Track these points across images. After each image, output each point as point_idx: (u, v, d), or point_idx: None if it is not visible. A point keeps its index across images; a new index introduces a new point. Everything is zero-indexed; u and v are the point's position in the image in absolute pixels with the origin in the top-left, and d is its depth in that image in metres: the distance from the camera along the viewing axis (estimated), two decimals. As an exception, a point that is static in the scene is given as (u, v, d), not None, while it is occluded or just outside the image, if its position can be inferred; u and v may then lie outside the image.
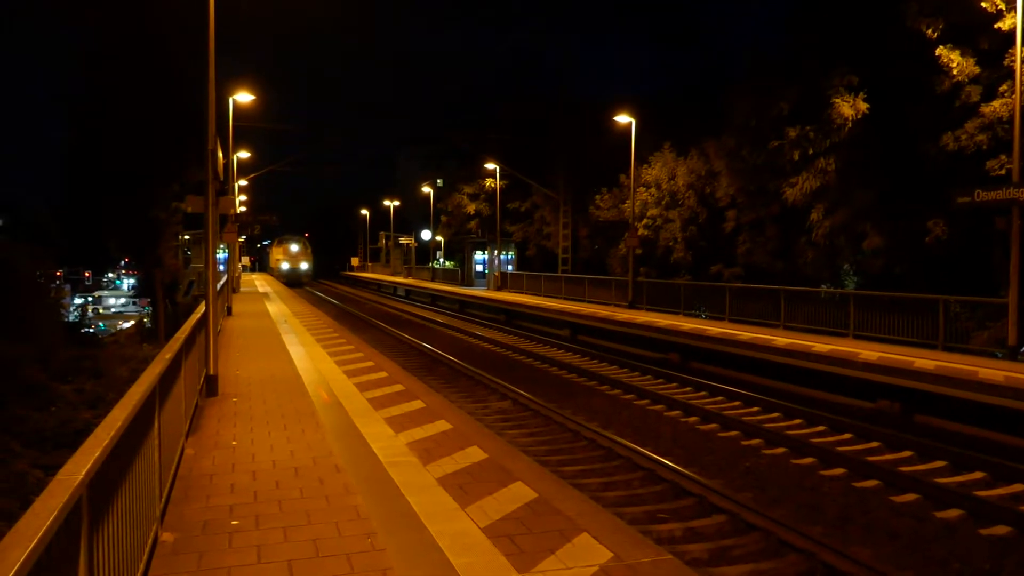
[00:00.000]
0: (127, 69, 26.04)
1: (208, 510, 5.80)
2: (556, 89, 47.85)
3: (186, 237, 49.39)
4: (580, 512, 5.79)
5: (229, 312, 23.94)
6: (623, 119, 28.58)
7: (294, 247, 71.43)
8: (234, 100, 25.04)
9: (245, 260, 78.52)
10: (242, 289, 40.91)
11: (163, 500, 5.54)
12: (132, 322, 54.70)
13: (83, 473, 2.79)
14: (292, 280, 65.27)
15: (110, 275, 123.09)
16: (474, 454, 7.43)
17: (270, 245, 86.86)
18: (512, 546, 5.09)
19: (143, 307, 66.57)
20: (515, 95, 54.78)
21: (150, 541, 4.77)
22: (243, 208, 43.04)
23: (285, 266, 69.79)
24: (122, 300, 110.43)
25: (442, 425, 8.74)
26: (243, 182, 43.31)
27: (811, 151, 23.37)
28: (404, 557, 4.92)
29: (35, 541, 2.17)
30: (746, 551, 7.34)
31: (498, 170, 43.63)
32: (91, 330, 34.40)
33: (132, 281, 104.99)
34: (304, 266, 71.09)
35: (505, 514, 5.70)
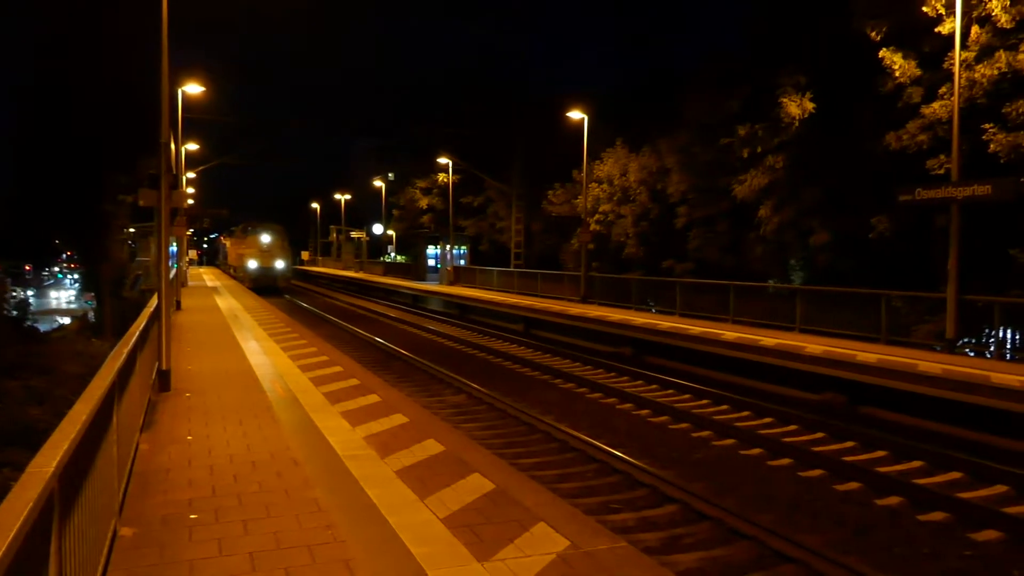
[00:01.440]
0: (77, 60, 25.47)
1: (167, 504, 5.79)
2: (513, 85, 47.95)
3: (131, 230, 48.45)
4: (538, 502, 5.91)
5: (178, 307, 23.59)
6: (575, 115, 28.78)
7: (266, 238, 49.02)
8: (183, 92, 24.63)
9: (193, 254, 74.45)
10: (190, 283, 40.28)
11: (121, 495, 5.52)
12: (69, 319, 53.62)
13: (53, 465, 2.81)
14: (265, 284, 45.66)
15: (53, 269, 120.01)
16: (431, 447, 7.50)
17: (227, 236, 67.50)
18: (472, 536, 5.18)
19: (87, 301, 65.05)
20: (471, 90, 54.65)
21: (110, 535, 4.77)
22: (191, 201, 42.31)
23: (253, 264, 47.86)
24: (64, 295, 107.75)
25: (399, 419, 8.79)
26: (191, 175, 42.62)
27: (760, 149, 23.86)
28: (365, 548, 4.99)
29: (13, 532, 2.19)
30: (698, 539, 7.54)
31: (451, 164, 43.60)
32: (35, 325, 33.57)
33: (75, 276, 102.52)
34: (280, 265, 49.17)
35: (464, 505, 5.79)
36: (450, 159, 43.26)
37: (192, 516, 5.54)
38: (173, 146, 15.08)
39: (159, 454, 7.21)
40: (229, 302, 27.91)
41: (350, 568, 4.67)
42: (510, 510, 5.71)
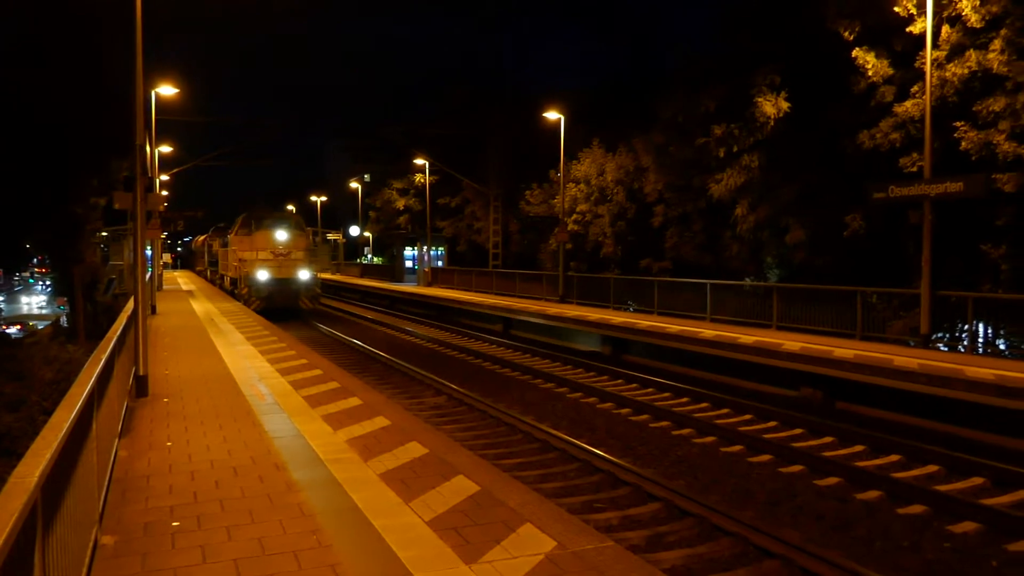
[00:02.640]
0: (49, 60, 25.13)
1: (148, 512, 5.73)
2: (490, 84, 47.91)
3: (104, 234, 47.84)
4: (523, 503, 5.91)
5: (154, 311, 23.34)
6: (552, 116, 28.82)
7: (282, 235, 31.62)
8: (157, 93, 24.37)
9: (167, 257, 73.55)
10: (165, 287, 39.85)
11: (101, 503, 5.45)
12: (42, 323, 52.51)
13: (37, 475, 2.77)
14: (282, 303, 30.51)
15: (23, 274, 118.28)
16: (414, 449, 7.48)
17: (215, 235, 47.75)
18: (458, 538, 5.17)
19: (59, 306, 64.15)
20: (449, 90, 54.58)
21: (91, 544, 4.70)
22: (164, 204, 41.84)
23: (264, 276, 30.70)
24: (36, 300, 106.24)
25: (380, 421, 8.75)
26: (165, 177, 42.18)
27: (736, 148, 24.01)
28: (351, 552, 4.96)
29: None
30: (681, 536, 7.57)
31: (428, 165, 43.49)
32: (6, 331, 33.05)
33: (47, 281, 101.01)
34: (304, 275, 31.83)
35: (449, 507, 5.78)
36: (427, 160, 43.15)
37: (174, 523, 5.48)
38: (148, 148, 14.92)
39: (138, 460, 7.13)
40: (205, 306, 27.65)
41: (337, 573, 4.64)
42: (495, 511, 5.70)
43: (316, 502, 5.94)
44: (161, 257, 44.18)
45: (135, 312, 10.29)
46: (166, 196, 44.16)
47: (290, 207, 60.29)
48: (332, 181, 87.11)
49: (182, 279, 55.85)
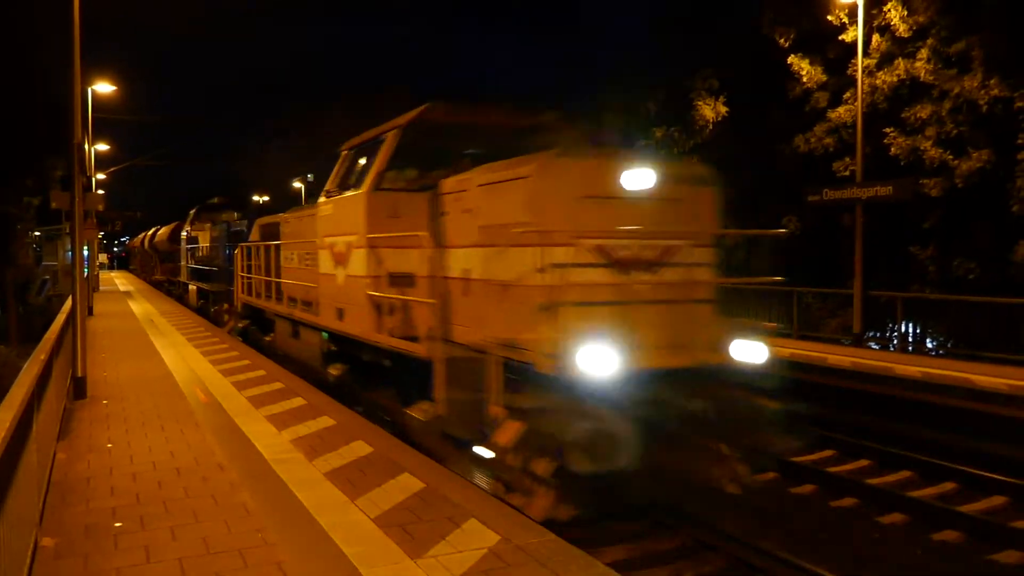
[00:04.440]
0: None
1: (89, 513, 5.67)
2: (435, 88, 47.72)
3: (37, 234, 46.50)
4: (468, 499, 6.00)
5: (91, 312, 22.81)
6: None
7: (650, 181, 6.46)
8: (93, 90, 23.83)
9: (103, 258, 71.64)
10: (102, 288, 38.91)
11: (41, 504, 5.39)
12: None
13: (-18, 474, 2.77)
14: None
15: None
16: (360, 448, 7.50)
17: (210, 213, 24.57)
18: (404, 534, 5.24)
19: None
20: (392, 92, 54.32)
21: (31, 546, 4.66)
22: (101, 204, 40.86)
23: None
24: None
25: (325, 421, 8.75)
26: (101, 176, 41.20)
27: (676, 151, 24.43)
28: (297, 550, 4.99)
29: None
30: (626, 533, 7.73)
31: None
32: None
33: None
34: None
35: (395, 504, 5.84)
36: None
37: (116, 524, 5.44)
38: (85, 146, 14.62)
39: (78, 463, 7.02)
40: (144, 306, 27.10)
41: (283, 570, 4.67)
42: (441, 507, 5.78)
43: (261, 501, 5.94)
44: (97, 257, 43.14)
45: (73, 312, 10.10)
46: (103, 196, 43.17)
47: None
48: (274, 181, 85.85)
49: (119, 280, 54.56)
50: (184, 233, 25.72)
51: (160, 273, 37.16)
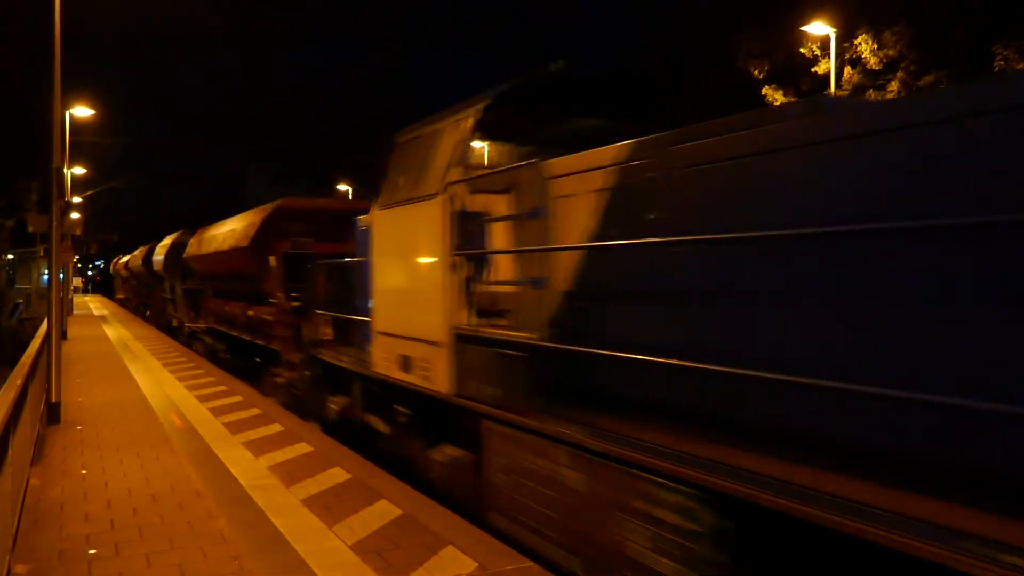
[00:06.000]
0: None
1: (62, 540, 5.63)
2: (411, 109, 47.96)
3: (10, 257, 46.00)
4: (446, 526, 6.01)
5: (64, 336, 22.59)
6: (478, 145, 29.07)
7: None
8: (71, 114, 23.77)
9: (78, 281, 70.64)
10: (76, 312, 38.54)
11: (14, 530, 5.35)
12: None
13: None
14: None
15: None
16: (337, 475, 7.50)
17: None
18: (380, 561, 5.25)
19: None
20: (372, 114, 54.52)
21: (4, 572, 4.62)
22: (79, 228, 40.50)
23: None
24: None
25: (303, 447, 8.74)
26: (77, 199, 40.93)
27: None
28: (273, 576, 4.99)
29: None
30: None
31: (351, 191, 43.30)
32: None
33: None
34: None
35: (372, 531, 5.85)
36: (350, 186, 42.96)
37: (91, 551, 5.41)
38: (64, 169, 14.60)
39: (51, 488, 6.97)
40: (119, 331, 26.88)
41: (259, 596, 4.67)
42: (419, 535, 5.79)
43: (237, 528, 5.93)
44: (72, 281, 42.74)
45: (48, 335, 10.04)
46: (78, 219, 42.86)
47: None
48: (253, 203, 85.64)
49: (94, 304, 54.03)
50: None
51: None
